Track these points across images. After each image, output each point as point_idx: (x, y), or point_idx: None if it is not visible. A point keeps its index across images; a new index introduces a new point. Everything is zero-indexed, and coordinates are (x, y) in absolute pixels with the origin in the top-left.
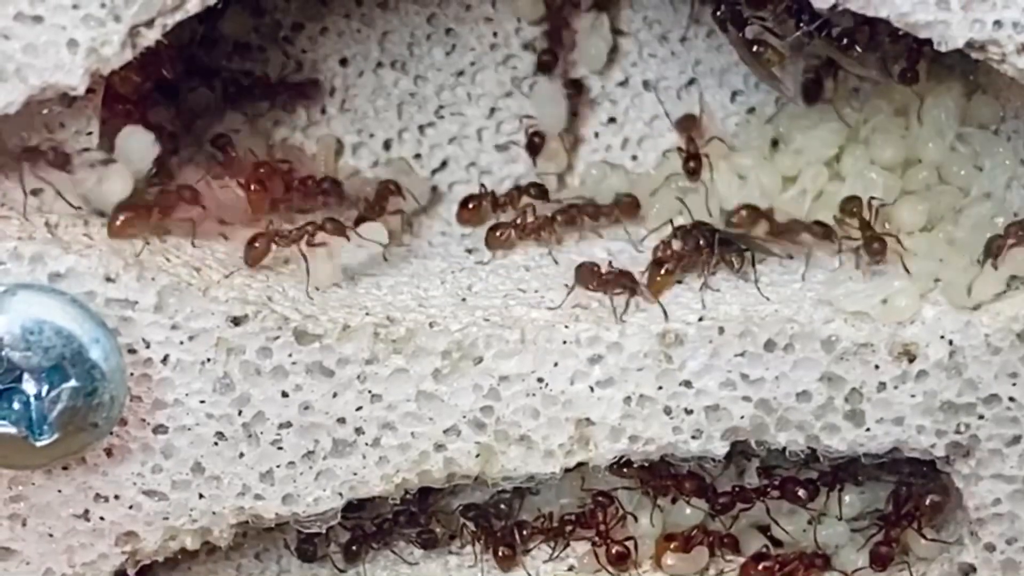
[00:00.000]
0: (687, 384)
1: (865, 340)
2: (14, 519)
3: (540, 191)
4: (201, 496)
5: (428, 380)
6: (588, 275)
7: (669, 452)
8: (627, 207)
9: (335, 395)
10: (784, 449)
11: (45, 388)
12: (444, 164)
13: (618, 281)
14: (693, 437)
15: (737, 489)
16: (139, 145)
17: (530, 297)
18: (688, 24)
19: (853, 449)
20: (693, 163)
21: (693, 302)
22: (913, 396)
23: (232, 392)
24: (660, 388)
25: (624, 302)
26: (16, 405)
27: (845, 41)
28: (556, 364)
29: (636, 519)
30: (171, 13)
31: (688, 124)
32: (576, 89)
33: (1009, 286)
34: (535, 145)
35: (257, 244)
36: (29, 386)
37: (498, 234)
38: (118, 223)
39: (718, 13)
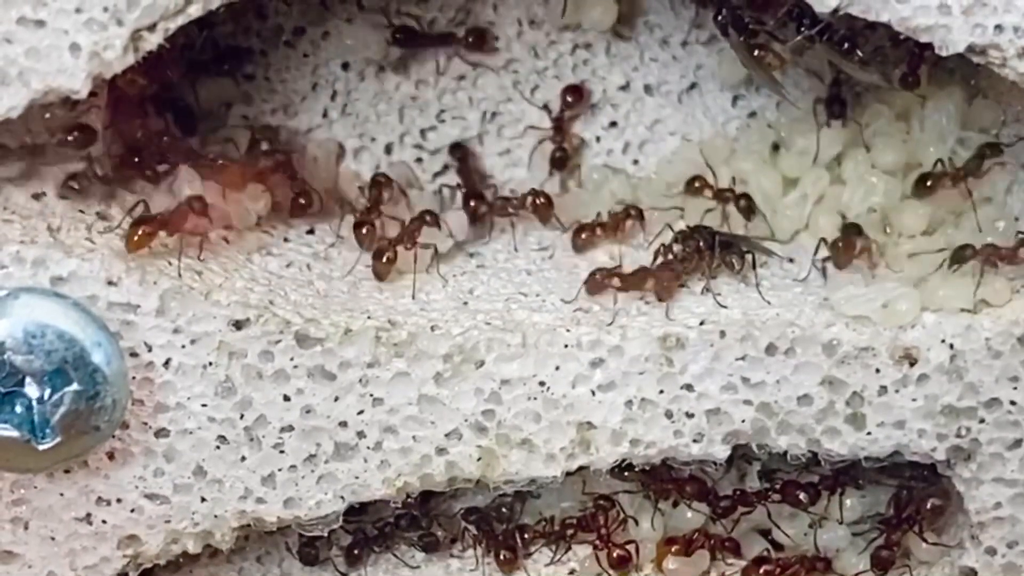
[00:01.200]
0: (688, 388)
1: (866, 344)
2: (16, 522)
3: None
4: (203, 499)
5: (430, 384)
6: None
7: (670, 456)
8: None
9: (337, 399)
10: (785, 453)
11: (47, 392)
12: (445, 168)
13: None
14: (694, 441)
15: (738, 493)
16: None
17: (531, 301)
18: (689, 28)
19: (854, 453)
20: (744, 201)
21: (695, 305)
22: (914, 400)
23: (234, 396)
24: (661, 392)
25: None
26: (18, 409)
27: (846, 46)
28: (557, 368)
29: (637, 523)
30: (173, 17)
31: (700, 184)
32: (577, 94)
33: (974, 309)
34: (558, 160)
35: (387, 258)
36: (31, 390)
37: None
38: (136, 238)
39: (719, 17)
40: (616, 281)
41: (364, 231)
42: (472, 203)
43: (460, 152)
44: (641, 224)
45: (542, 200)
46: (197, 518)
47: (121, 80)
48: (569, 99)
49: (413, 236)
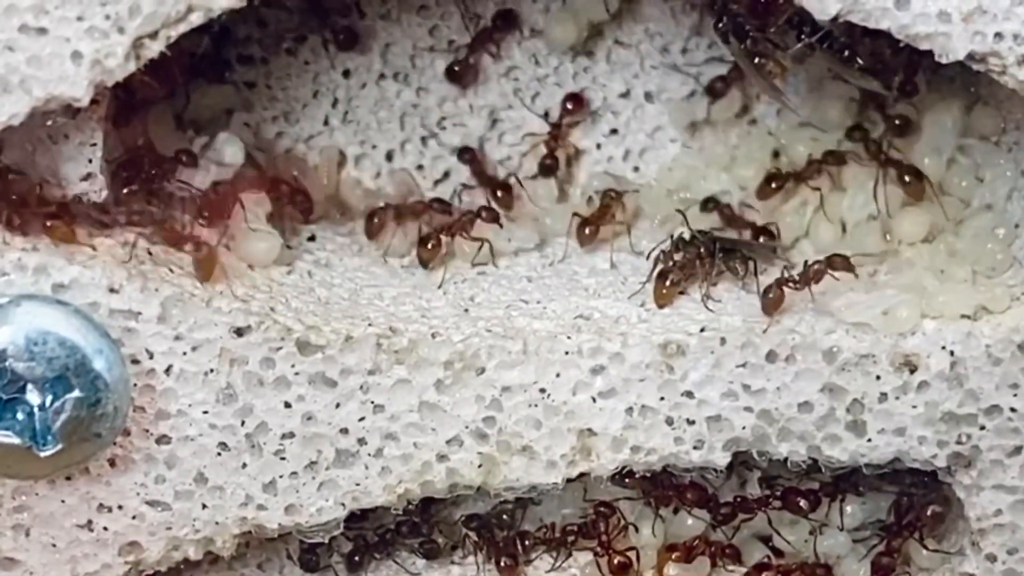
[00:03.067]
0: (689, 395)
1: (866, 351)
2: (17, 529)
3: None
4: (204, 506)
5: (430, 391)
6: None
7: (671, 462)
8: None
9: (338, 405)
10: (786, 459)
11: (49, 399)
12: (446, 175)
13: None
14: (695, 447)
15: (739, 499)
16: None
17: (532, 308)
18: (690, 36)
19: (854, 460)
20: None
21: (695, 312)
22: (914, 407)
23: (235, 403)
24: (662, 399)
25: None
26: (20, 416)
27: (846, 53)
28: (558, 375)
29: (638, 529)
30: (175, 25)
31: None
32: (577, 102)
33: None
34: (547, 167)
35: (431, 244)
36: (33, 397)
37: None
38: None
39: (720, 25)
40: (794, 286)
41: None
42: (499, 193)
43: (469, 155)
44: (623, 208)
45: (488, 214)
46: (198, 525)
47: (134, 81)
48: (569, 106)
49: (465, 227)
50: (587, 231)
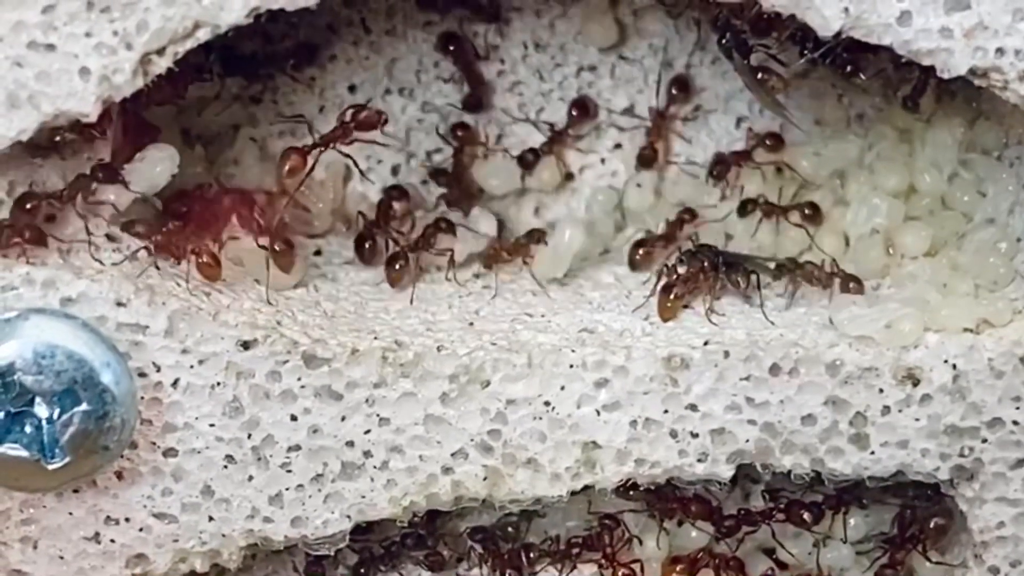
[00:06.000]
0: (693, 408)
1: (869, 364)
2: (25, 542)
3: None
4: (211, 519)
5: (436, 404)
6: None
7: (675, 475)
8: None
9: (344, 418)
10: (789, 472)
11: (57, 412)
12: None
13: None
14: (699, 460)
15: (742, 512)
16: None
17: (537, 322)
18: (693, 51)
19: (858, 472)
20: (810, 210)
21: (699, 326)
22: (917, 420)
23: (241, 415)
24: (666, 412)
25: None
26: (28, 428)
27: (849, 68)
28: (563, 388)
29: (642, 542)
30: (182, 41)
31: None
32: (584, 112)
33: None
34: (528, 162)
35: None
36: (41, 410)
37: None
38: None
39: (723, 41)
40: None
41: (367, 246)
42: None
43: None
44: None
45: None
46: (205, 537)
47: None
48: (574, 113)
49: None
50: (640, 252)
